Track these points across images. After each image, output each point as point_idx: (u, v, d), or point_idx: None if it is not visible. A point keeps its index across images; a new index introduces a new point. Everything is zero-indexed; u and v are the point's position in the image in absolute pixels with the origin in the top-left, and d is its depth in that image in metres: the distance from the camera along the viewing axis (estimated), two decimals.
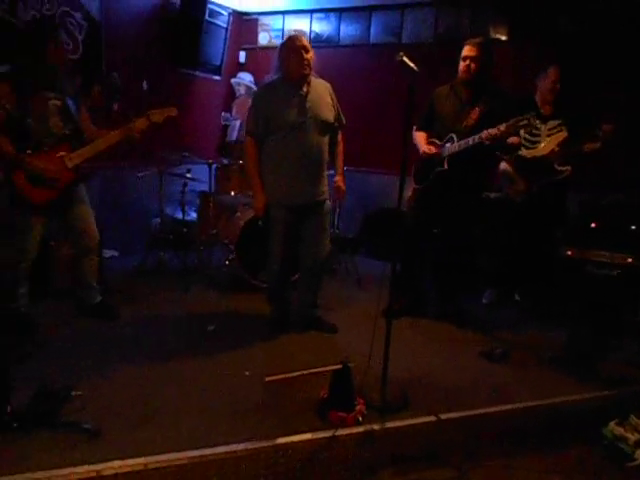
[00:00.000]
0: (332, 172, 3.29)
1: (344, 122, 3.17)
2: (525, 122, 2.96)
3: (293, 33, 3.05)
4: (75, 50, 4.35)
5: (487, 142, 3.06)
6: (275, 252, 3.13)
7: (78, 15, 4.30)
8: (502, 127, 3.02)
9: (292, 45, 2.88)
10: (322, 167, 3.07)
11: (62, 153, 2.96)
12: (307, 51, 2.88)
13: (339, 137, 3.20)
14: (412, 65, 2.26)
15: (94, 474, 1.82)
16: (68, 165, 2.97)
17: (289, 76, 2.93)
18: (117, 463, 1.86)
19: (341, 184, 3.20)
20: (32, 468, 1.82)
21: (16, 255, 2.96)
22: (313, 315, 3.31)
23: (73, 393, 2.27)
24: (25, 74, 2.87)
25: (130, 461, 1.87)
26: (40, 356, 2.69)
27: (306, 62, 2.87)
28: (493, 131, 3.02)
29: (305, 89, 2.94)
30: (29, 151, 2.85)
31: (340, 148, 3.22)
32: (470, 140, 3.11)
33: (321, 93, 3.01)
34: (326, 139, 3.04)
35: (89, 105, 4.47)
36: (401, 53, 2.29)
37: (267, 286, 3.43)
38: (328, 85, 3.08)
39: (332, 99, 3.07)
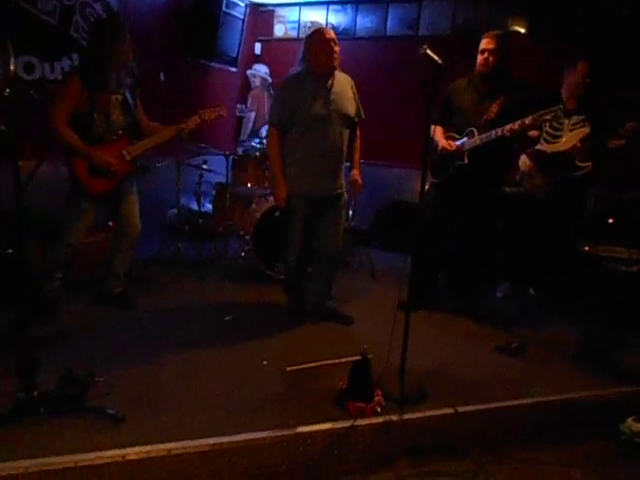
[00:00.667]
0: (347, 164, 3.30)
1: (363, 116, 3.19)
2: (551, 115, 2.94)
3: (319, 26, 3.07)
4: None
5: (510, 135, 3.05)
6: (293, 243, 3.15)
7: (98, 6, 4.32)
8: (528, 120, 3.00)
9: (322, 38, 2.90)
10: (342, 160, 3.10)
11: (122, 146, 3.06)
12: (335, 44, 2.89)
13: (357, 131, 3.22)
14: (436, 58, 2.25)
15: (120, 458, 1.86)
16: (126, 158, 3.08)
17: (317, 69, 2.94)
18: (142, 448, 1.90)
19: (358, 178, 3.21)
20: (60, 452, 1.86)
21: (63, 239, 3.05)
22: (328, 307, 3.34)
23: (96, 379, 2.31)
24: (92, 69, 2.94)
25: (155, 446, 1.91)
26: (62, 343, 2.73)
27: (335, 55, 2.89)
28: (518, 124, 3.00)
29: (330, 82, 2.96)
30: (89, 144, 2.95)
31: (358, 142, 3.24)
32: (492, 133, 3.10)
33: (344, 87, 3.03)
34: (347, 133, 3.06)
35: None
36: (424, 46, 2.28)
37: (284, 277, 3.45)
38: (350, 79, 3.10)
39: (354, 93, 3.09)
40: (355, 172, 3.21)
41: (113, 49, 2.92)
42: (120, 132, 3.07)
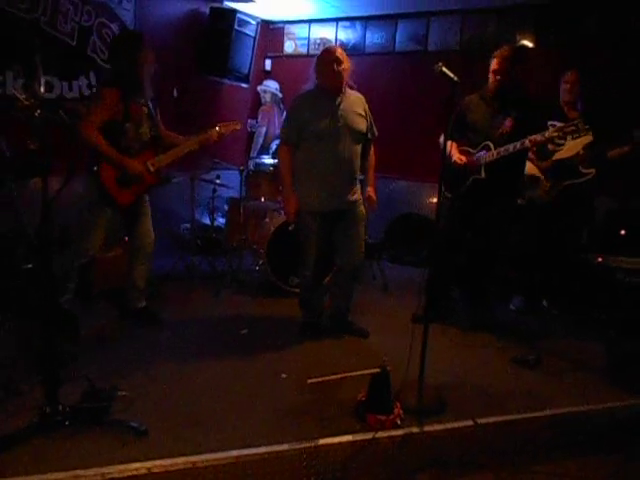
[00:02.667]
0: (361, 177, 3.32)
1: (375, 134, 3.23)
2: (572, 128, 3.01)
3: (330, 44, 3.13)
4: None
5: (532, 147, 3.11)
6: (307, 258, 3.18)
7: (114, 26, 4.43)
8: (548, 133, 3.06)
9: (326, 59, 2.96)
10: (353, 174, 3.12)
11: (146, 158, 3.08)
12: (339, 64, 2.94)
13: (371, 149, 3.26)
14: (452, 75, 2.30)
15: (145, 471, 1.88)
16: (150, 169, 3.09)
17: (324, 87, 3.02)
18: (167, 461, 1.92)
19: (372, 195, 3.24)
20: (86, 464, 1.88)
21: (82, 249, 3.06)
22: (345, 319, 3.36)
23: (119, 393, 2.34)
24: (127, 80, 2.97)
25: (180, 459, 1.93)
26: (83, 357, 2.75)
27: (338, 75, 2.95)
28: (539, 137, 3.05)
29: (339, 99, 3.02)
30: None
31: (372, 159, 3.27)
32: (511, 147, 3.15)
33: (353, 104, 3.08)
34: (358, 148, 3.10)
35: None
36: (440, 63, 2.33)
37: (299, 291, 3.48)
38: (362, 97, 3.15)
39: (365, 111, 3.12)
40: (370, 189, 3.24)
41: (142, 60, 2.98)
42: (146, 144, 3.09)
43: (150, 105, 3.14)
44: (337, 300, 3.34)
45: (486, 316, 3.60)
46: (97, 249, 3.13)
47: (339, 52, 3.00)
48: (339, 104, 3.01)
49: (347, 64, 3.00)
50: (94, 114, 2.89)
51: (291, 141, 3.09)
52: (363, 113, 3.11)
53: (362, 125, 3.09)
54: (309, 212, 3.10)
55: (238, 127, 3.43)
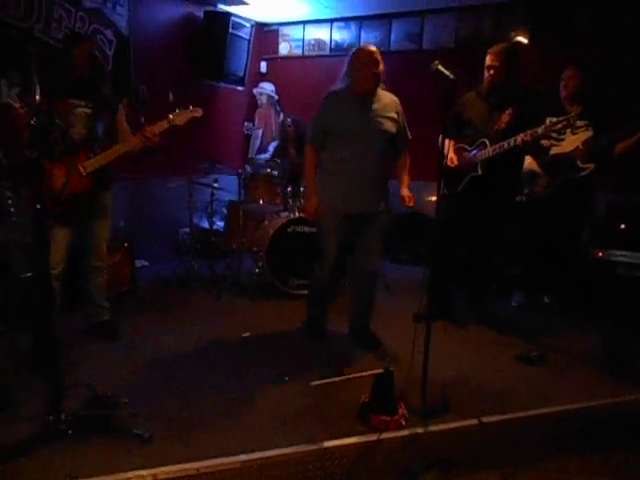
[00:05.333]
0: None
1: (409, 137, 3.11)
2: (563, 123, 2.99)
3: (365, 44, 3.03)
4: (105, 65, 4.46)
5: (523, 145, 3.09)
6: (325, 259, 3.10)
7: (108, 32, 4.42)
8: (540, 129, 3.05)
9: (364, 58, 2.85)
10: (380, 178, 3.01)
11: (79, 161, 2.85)
12: (377, 66, 2.85)
13: (405, 152, 3.12)
14: (448, 73, 2.29)
15: (150, 478, 1.87)
16: (82, 173, 2.85)
17: (356, 87, 2.91)
18: (172, 468, 1.91)
19: (405, 195, 3.01)
20: (90, 473, 1.88)
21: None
22: (365, 326, 3.24)
23: (122, 400, 2.33)
24: (53, 79, 2.75)
25: (185, 465, 1.92)
26: (82, 365, 2.74)
27: (375, 77, 2.86)
28: (531, 133, 3.04)
29: (370, 100, 2.92)
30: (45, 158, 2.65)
31: (405, 162, 3.12)
32: (505, 144, 3.14)
33: (385, 105, 2.96)
34: (386, 151, 2.99)
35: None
36: (436, 62, 2.32)
37: (309, 290, 3.43)
38: (396, 100, 3.02)
39: (398, 113, 3.00)
40: (404, 190, 3.04)
41: (71, 59, 2.82)
42: (77, 145, 2.84)
43: (102, 110, 2.94)
44: (356, 305, 3.23)
45: (487, 313, 3.59)
46: (61, 264, 2.89)
47: (377, 53, 2.87)
48: (370, 105, 2.91)
49: (383, 65, 2.90)
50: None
51: (317, 141, 3.01)
52: (395, 116, 2.97)
53: (392, 128, 2.95)
54: (331, 213, 3.02)
55: (198, 114, 3.09)
